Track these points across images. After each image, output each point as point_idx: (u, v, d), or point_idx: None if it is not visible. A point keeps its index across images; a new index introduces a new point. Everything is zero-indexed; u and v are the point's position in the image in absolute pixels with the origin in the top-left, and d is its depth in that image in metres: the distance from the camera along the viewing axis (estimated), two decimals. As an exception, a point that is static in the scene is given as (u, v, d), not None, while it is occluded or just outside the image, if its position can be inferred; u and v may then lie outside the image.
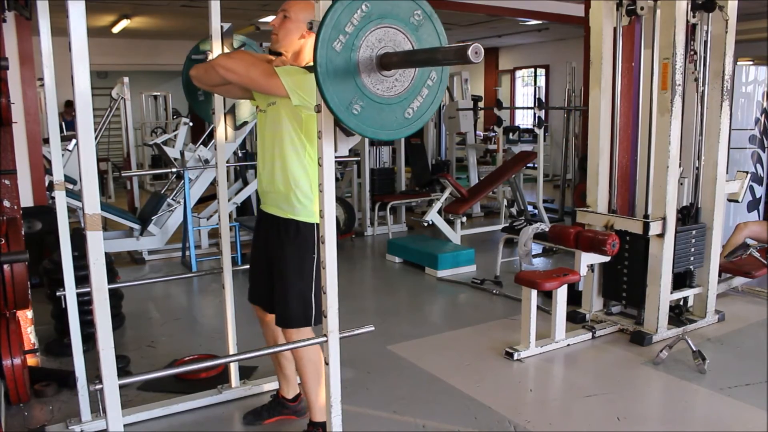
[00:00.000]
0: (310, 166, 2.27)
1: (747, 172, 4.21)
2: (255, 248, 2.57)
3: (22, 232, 3.21)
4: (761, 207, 5.49)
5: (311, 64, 1.93)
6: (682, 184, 3.76)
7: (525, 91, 13.78)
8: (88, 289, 1.71)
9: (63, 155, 5.34)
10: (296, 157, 2.26)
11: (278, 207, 2.35)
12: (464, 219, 6.07)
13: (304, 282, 2.32)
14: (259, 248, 2.52)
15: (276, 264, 2.36)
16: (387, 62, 1.68)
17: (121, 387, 1.72)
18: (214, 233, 6.12)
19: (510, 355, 3.42)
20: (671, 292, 3.69)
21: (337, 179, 6.62)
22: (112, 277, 3.84)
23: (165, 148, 6.47)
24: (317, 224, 2.27)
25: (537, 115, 7.69)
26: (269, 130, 2.30)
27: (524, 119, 13.29)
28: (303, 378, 2.44)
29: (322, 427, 2.41)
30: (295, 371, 2.63)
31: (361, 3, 1.61)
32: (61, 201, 2.49)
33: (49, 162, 2.87)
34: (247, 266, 3.08)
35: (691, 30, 3.60)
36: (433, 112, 1.86)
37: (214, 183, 5.14)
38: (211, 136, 4.35)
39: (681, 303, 3.88)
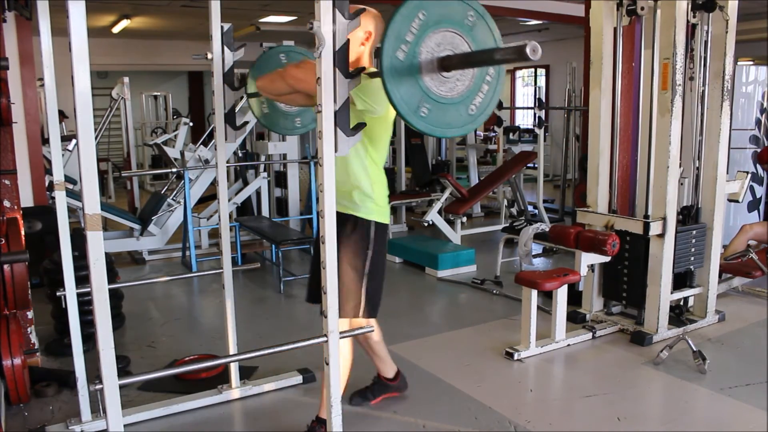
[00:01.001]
0: (371, 167, 2.42)
1: (747, 172, 4.21)
2: (316, 253, 2.66)
3: (22, 232, 3.21)
4: (761, 207, 5.50)
5: (371, 69, 2.19)
6: (682, 184, 3.76)
7: (525, 91, 13.78)
8: (88, 289, 1.71)
9: (63, 155, 5.34)
10: (358, 159, 2.39)
11: (340, 204, 2.41)
12: (464, 219, 6.07)
13: (357, 275, 2.42)
14: (317, 251, 2.59)
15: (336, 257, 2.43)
16: (447, 64, 1.76)
17: (121, 387, 1.72)
18: (215, 233, 6.12)
19: (510, 355, 3.41)
20: (671, 292, 3.69)
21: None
22: (112, 277, 3.84)
23: (165, 148, 6.48)
24: (375, 222, 2.44)
25: (537, 115, 7.70)
26: None
27: (524, 119, 13.29)
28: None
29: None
30: (385, 348, 2.84)
31: (417, 11, 1.70)
32: (61, 201, 2.49)
33: (49, 162, 2.87)
34: (248, 266, 3.09)
35: (691, 30, 3.60)
36: (494, 106, 1.95)
37: (214, 183, 5.16)
38: (211, 136, 4.36)
39: (681, 303, 3.88)
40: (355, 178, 2.40)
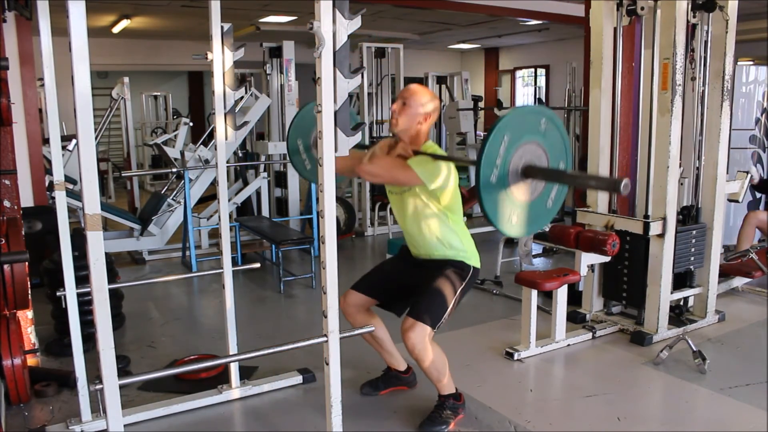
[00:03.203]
0: (457, 227, 2.64)
1: (747, 172, 4.21)
2: (395, 262, 2.90)
3: (23, 232, 3.21)
4: (761, 207, 5.50)
5: (429, 146, 2.57)
6: (682, 184, 3.76)
7: (525, 91, 13.78)
8: (89, 289, 1.71)
9: (63, 155, 5.34)
10: (443, 225, 2.61)
11: (434, 254, 2.67)
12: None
13: (449, 294, 2.56)
14: (401, 264, 2.83)
15: (428, 276, 2.61)
16: (530, 173, 1.99)
17: (121, 387, 1.72)
18: (215, 233, 6.12)
19: (510, 355, 3.41)
20: (671, 292, 3.69)
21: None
22: (112, 277, 3.84)
23: (165, 148, 6.48)
24: (473, 267, 2.66)
25: (537, 115, 7.68)
26: (410, 209, 2.63)
27: (524, 119, 13.26)
28: (429, 372, 2.64)
29: (453, 397, 2.72)
30: (393, 344, 2.93)
31: (503, 135, 1.91)
32: (61, 201, 2.49)
33: (49, 162, 2.87)
34: (248, 266, 3.10)
35: (691, 30, 3.60)
36: (565, 194, 2.21)
37: (214, 183, 5.16)
38: (211, 136, 4.36)
39: (681, 303, 3.88)
40: (447, 241, 2.63)
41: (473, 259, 2.68)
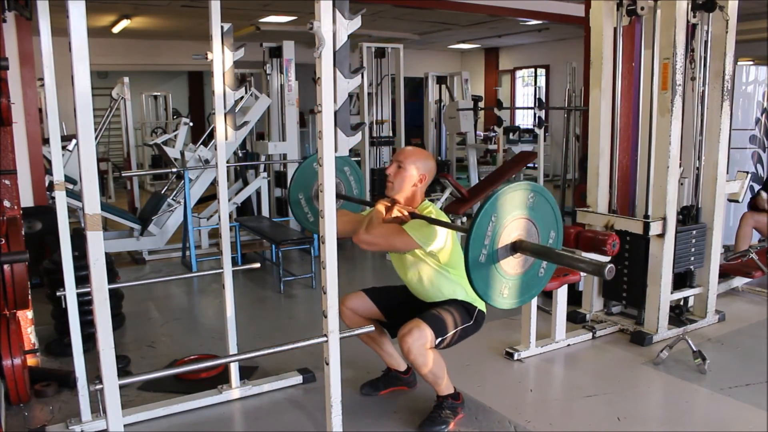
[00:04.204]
0: (459, 278, 2.61)
1: (747, 172, 4.21)
2: (403, 291, 2.85)
3: (23, 232, 3.21)
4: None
5: (425, 207, 2.61)
6: (682, 184, 3.76)
7: (525, 91, 13.77)
8: (89, 289, 1.71)
9: (63, 155, 5.34)
10: (446, 280, 2.64)
11: (440, 299, 2.70)
12: (464, 219, 6.07)
13: (454, 321, 2.59)
14: (407, 294, 2.82)
15: (436, 306, 2.65)
16: (520, 248, 2.00)
17: (121, 387, 1.72)
18: (215, 233, 6.12)
19: (510, 355, 3.41)
20: (671, 292, 3.69)
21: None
22: (112, 277, 3.84)
23: (165, 148, 6.48)
24: (479, 309, 2.68)
25: (537, 115, 7.70)
26: (411, 268, 2.68)
27: (524, 119, 13.28)
28: (427, 378, 2.64)
29: (452, 396, 2.73)
30: (392, 346, 2.95)
31: (490, 217, 1.93)
32: (61, 201, 2.49)
33: (49, 162, 2.87)
34: (248, 266, 3.10)
35: (691, 30, 3.60)
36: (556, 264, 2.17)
37: (214, 183, 5.16)
38: (211, 136, 4.36)
39: (681, 303, 3.88)
40: (452, 293, 2.65)
41: (479, 303, 2.68)
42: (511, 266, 2.02)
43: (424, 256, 2.59)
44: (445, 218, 2.58)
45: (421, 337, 2.48)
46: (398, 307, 2.80)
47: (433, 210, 2.60)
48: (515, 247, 1.99)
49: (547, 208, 2.09)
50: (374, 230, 2.54)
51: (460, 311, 2.64)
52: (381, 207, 2.56)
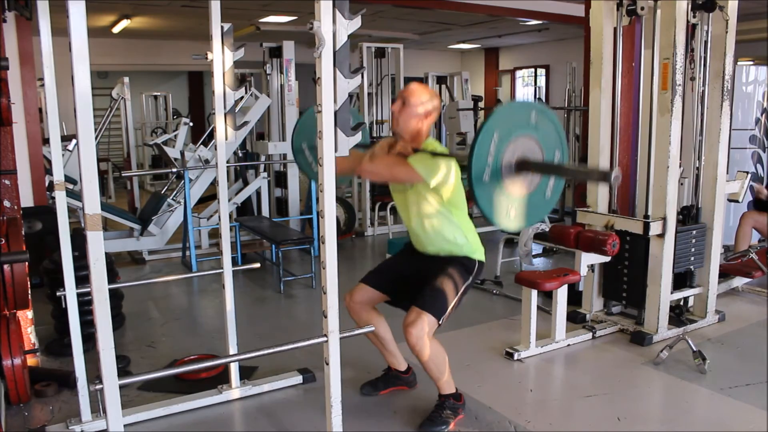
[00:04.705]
0: (462, 222, 2.65)
1: (747, 172, 4.21)
2: (399, 257, 2.88)
3: (23, 232, 3.21)
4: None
5: (429, 143, 2.58)
6: (682, 184, 3.76)
7: (525, 91, 13.77)
8: (89, 289, 1.71)
9: (63, 155, 5.34)
10: (447, 221, 2.63)
11: (440, 251, 2.69)
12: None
13: (454, 287, 2.59)
14: (406, 257, 2.83)
15: (434, 269, 2.64)
16: (524, 167, 1.98)
17: (121, 387, 1.72)
18: (215, 233, 6.12)
19: (510, 355, 3.41)
20: (671, 292, 3.69)
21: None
22: (112, 277, 3.84)
23: (165, 148, 6.49)
24: (478, 261, 2.68)
25: (537, 115, 7.67)
26: (414, 207, 2.65)
27: (524, 119, 13.25)
28: (428, 367, 2.64)
29: (453, 397, 2.74)
30: (395, 345, 2.95)
31: (492, 134, 1.90)
32: (61, 201, 2.49)
33: (49, 162, 2.87)
34: (248, 266, 3.10)
35: (691, 30, 3.60)
36: (564, 182, 2.18)
37: (214, 183, 5.16)
38: (211, 136, 4.36)
39: (681, 303, 3.88)
40: (452, 236, 2.64)
41: (478, 252, 2.69)
42: (517, 186, 2.00)
43: (428, 195, 2.55)
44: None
45: (422, 327, 2.51)
46: (399, 282, 2.79)
47: (438, 147, 2.59)
48: (520, 166, 1.97)
49: (551, 128, 2.05)
50: (378, 160, 2.56)
51: (459, 271, 2.62)
52: (384, 142, 2.59)
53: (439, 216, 2.61)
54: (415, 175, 2.45)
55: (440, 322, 2.57)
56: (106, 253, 1.73)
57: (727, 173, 3.89)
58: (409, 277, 2.75)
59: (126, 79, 7.66)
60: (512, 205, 1.99)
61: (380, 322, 2.84)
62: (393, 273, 2.86)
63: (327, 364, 1.91)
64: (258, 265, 3.18)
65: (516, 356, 3.39)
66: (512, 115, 1.96)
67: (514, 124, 1.96)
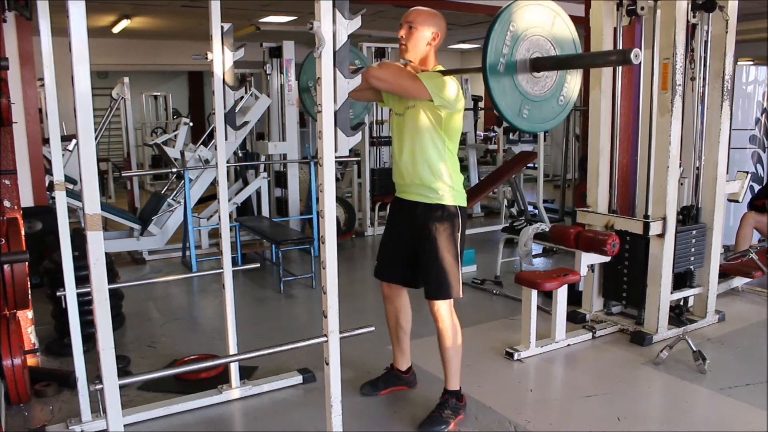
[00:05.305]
0: (449, 158, 2.58)
1: (747, 172, 4.21)
2: (392, 232, 2.84)
3: (23, 232, 3.21)
4: (761, 207, 5.49)
5: (438, 67, 2.55)
6: (682, 184, 3.76)
7: (525, 91, 13.75)
8: (89, 289, 1.71)
9: (63, 155, 5.34)
10: (436, 151, 2.54)
11: (423, 195, 2.62)
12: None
13: (451, 256, 2.61)
14: (398, 232, 2.80)
15: (425, 243, 2.63)
16: (539, 66, 1.96)
17: (121, 387, 1.72)
18: (215, 233, 6.12)
19: (510, 355, 3.41)
20: (671, 292, 3.69)
21: (337, 179, 6.62)
22: (112, 277, 3.84)
23: (165, 148, 6.48)
24: (460, 206, 2.63)
25: (537, 115, 7.67)
26: (409, 130, 2.57)
27: (524, 119, 13.26)
28: (441, 343, 2.70)
29: (456, 396, 2.75)
30: (409, 344, 2.99)
31: (508, 24, 1.90)
32: (61, 201, 2.49)
33: (50, 162, 2.87)
34: (248, 266, 3.10)
35: (691, 30, 3.60)
36: (578, 90, 2.14)
37: (214, 183, 5.16)
38: (211, 136, 4.36)
39: (681, 303, 3.88)
40: (437, 170, 2.56)
41: (459, 197, 2.63)
42: (531, 86, 1.97)
43: (429, 116, 2.49)
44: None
45: (443, 311, 2.65)
46: (402, 264, 2.79)
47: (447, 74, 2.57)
48: (535, 65, 1.95)
49: (567, 35, 2.04)
50: (387, 66, 2.52)
51: (449, 235, 2.59)
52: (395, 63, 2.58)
53: (432, 143, 2.53)
54: (422, 88, 2.39)
55: (454, 296, 2.65)
56: (106, 253, 1.73)
57: (727, 173, 3.89)
58: (406, 253, 2.75)
59: (126, 79, 7.66)
60: (526, 105, 1.96)
61: (406, 314, 2.92)
62: (392, 258, 2.84)
63: (327, 364, 1.91)
64: (258, 265, 3.19)
65: (516, 356, 3.39)
66: (533, 11, 1.93)
67: (534, 21, 1.94)
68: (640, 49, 3.75)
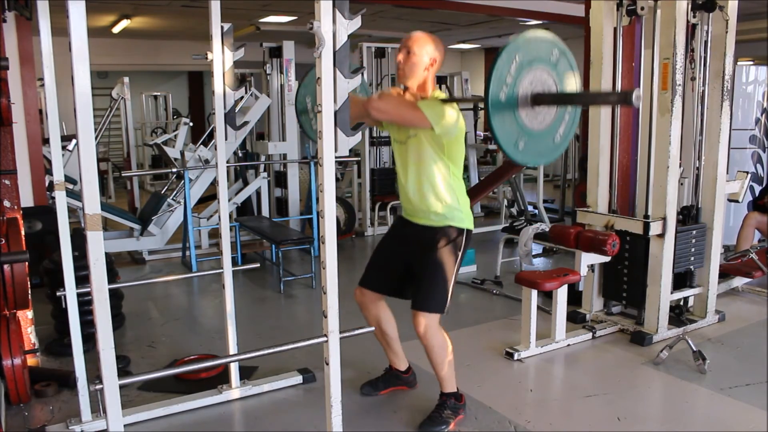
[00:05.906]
0: (455, 182, 2.61)
1: (747, 172, 4.21)
2: (390, 244, 2.86)
3: (23, 232, 3.21)
4: (761, 207, 5.49)
5: (440, 94, 2.60)
6: (682, 184, 3.76)
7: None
8: (89, 289, 1.71)
9: (63, 155, 5.34)
10: (442, 178, 2.57)
11: (430, 219, 2.64)
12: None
13: (447, 273, 2.61)
14: (396, 244, 2.80)
15: (424, 257, 2.64)
16: (540, 100, 1.98)
17: (121, 387, 1.72)
18: (215, 233, 6.12)
19: (510, 355, 3.41)
20: (671, 292, 3.69)
21: (337, 179, 6.63)
22: (112, 277, 3.84)
23: (165, 148, 6.48)
24: (467, 229, 2.64)
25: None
26: (413, 159, 2.60)
27: (524, 119, 13.26)
28: (432, 358, 2.69)
29: (455, 397, 2.76)
30: (400, 344, 2.99)
31: (514, 54, 1.92)
32: (61, 201, 2.49)
33: (50, 162, 2.87)
34: (248, 266, 3.10)
35: (691, 30, 3.60)
36: (573, 132, 2.17)
37: (214, 183, 5.16)
38: (211, 136, 4.36)
39: (681, 303, 3.88)
40: (443, 195, 2.59)
41: (467, 220, 2.65)
42: (529, 119, 2.00)
43: (430, 144, 2.51)
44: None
45: (428, 324, 2.59)
46: (393, 272, 2.78)
47: (445, 98, 2.58)
48: (536, 100, 1.98)
49: (570, 72, 2.07)
50: (387, 98, 2.55)
51: (449, 253, 2.60)
52: (393, 90, 2.60)
53: (437, 170, 2.55)
54: (423, 117, 2.40)
55: (445, 312, 2.62)
56: (106, 253, 1.73)
57: (727, 173, 3.89)
58: (401, 264, 2.74)
59: (126, 79, 7.66)
60: (523, 137, 1.99)
61: (389, 320, 2.87)
62: (384, 266, 2.83)
63: (327, 364, 1.91)
64: (258, 265, 3.19)
65: (516, 356, 3.39)
66: (536, 44, 1.96)
67: (536, 54, 1.97)
68: (640, 49, 3.76)
